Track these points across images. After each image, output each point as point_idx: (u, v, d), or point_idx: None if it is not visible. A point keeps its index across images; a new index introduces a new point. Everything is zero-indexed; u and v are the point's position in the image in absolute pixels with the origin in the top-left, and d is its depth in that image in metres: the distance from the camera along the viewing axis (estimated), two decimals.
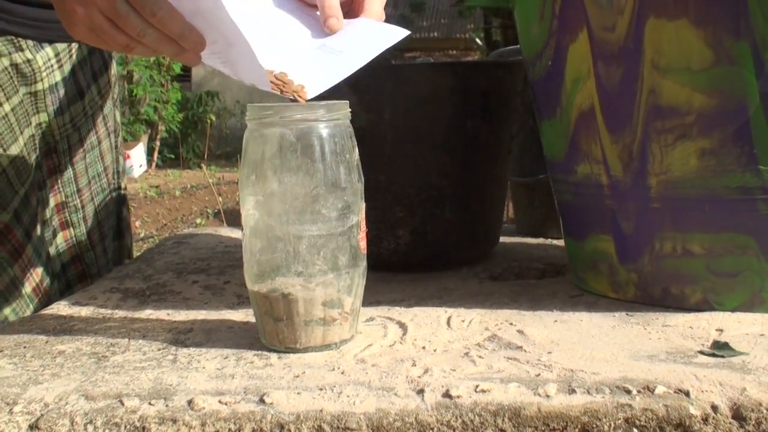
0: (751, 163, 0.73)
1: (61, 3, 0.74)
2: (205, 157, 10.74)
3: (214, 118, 11.13)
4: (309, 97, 0.71)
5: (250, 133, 0.69)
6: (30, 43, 1.00)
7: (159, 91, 9.84)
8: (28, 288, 1.01)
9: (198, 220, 6.48)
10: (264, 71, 0.71)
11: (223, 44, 0.73)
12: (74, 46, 1.07)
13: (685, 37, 0.73)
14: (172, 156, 10.71)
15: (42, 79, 1.03)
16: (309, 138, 0.68)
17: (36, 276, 1.02)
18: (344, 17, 0.79)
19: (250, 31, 0.71)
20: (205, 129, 11.01)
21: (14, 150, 0.99)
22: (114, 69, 1.18)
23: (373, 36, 0.78)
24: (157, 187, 7.89)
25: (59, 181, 1.10)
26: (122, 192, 1.22)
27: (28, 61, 1.00)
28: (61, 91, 1.06)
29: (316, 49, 0.77)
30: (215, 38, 0.73)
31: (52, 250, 1.09)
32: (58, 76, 1.05)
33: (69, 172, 1.10)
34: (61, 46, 1.05)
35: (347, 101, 0.71)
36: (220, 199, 6.21)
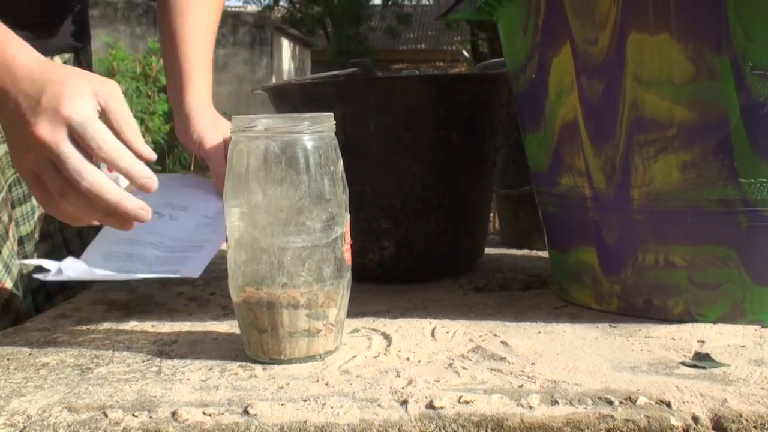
0: (732, 176, 0.74)
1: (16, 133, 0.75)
2: (192, 168, 10.70)
3: None
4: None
5: (235, 145, 0.70)
6: None
7: (146, 103, 9.80)
8: None
9: None
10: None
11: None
12: (57, 59, 1.06)
13: (666, 52, 0.73)
14: (159, 167, 10.69)
15: None
16: (293, 150, 0.68)
17: (5, 293, 1.01)
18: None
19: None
20: None
21: None
22: None
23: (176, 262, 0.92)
24: None
25: None
26: None
27: None
28: None
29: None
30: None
31: None
32: None
33: None
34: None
35: (332, 113, 0.71)
36: None
